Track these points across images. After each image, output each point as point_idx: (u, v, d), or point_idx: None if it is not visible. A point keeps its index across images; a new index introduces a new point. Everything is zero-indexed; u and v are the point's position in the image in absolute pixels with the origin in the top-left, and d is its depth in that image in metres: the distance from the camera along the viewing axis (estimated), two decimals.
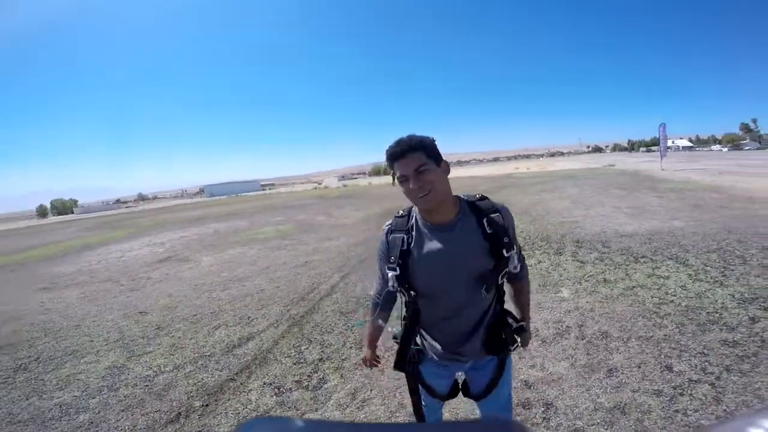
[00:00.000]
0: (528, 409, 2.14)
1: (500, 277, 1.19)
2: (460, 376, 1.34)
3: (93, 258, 9.48)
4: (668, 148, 22.99)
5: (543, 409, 2.12)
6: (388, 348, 2.63)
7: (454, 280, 1.16)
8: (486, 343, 1.21)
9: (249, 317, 4.06)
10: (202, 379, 2.86)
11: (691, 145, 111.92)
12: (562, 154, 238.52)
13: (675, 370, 2.37)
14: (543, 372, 2.51)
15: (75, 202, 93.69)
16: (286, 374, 2.81)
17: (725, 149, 76.88)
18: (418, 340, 1.32)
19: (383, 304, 1.39)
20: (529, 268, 1.39)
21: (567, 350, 2.76)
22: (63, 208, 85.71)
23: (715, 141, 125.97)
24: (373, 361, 1.48)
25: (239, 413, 2.37)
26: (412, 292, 1.20)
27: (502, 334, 1.21)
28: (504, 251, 1.14)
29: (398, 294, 1.28)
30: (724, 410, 1.96)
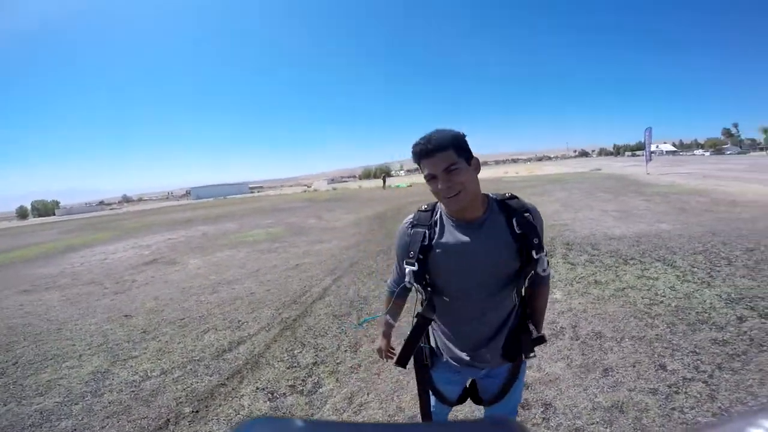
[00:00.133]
0: (527, 409, 2.13)
1: (526, 280, 1.14)
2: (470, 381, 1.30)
3: (75, 260, 9.21)
4: (653, 152, 23.52)
5: (542, 409, 2.11)
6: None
7: (477, 280, 1.11)
8: (505, 350, 1.17)
9: (239, 321, 3.97)
10: (192, 384, 2.77)
11: (675, 149, 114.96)
12: (550, 158, 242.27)
13: (669, 368, 2.39)
14: (540, 372, 2.50)
15: (57, 203, 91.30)
16: (279, 379, 2.74)
17: (707, 153, 78.99)
18: (432, 341, 1.27)
19: (400, 292, 1.31)
20: None
21: (562, 351, 2.76)
22: (44, 209, 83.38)
23: (698, 145, 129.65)
24: (387, 352, 1.42)
25: (231, 419, 2.30)
26: (429, 290, 1.15)
27: (521, 341, 1.16)
28: (534, 253, 1.09)
29: (415, 291, 1.22)
30: (719, 407, 1.98)
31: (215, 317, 4.15)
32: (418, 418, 2.10)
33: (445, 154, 1.01)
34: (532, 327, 1.19)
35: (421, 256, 1.12)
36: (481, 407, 1.37)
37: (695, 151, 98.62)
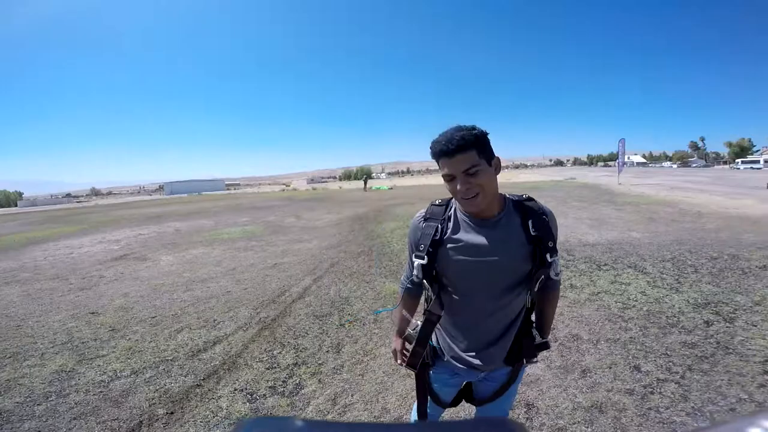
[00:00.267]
0: (511, 409, 2.15)
1: (537, 283, 1.11)
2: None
3: (38, 254, 8.69)
4: (624, 163, 24.54)
5: (525, 409, 2.14)
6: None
7: (487, 280, 1.08)
8: (508, 353, 1.15)
9: (215, 320, 3.84)
10: (165, 385, 2.65)
11: (645, 161, 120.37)
12: (527, 166, 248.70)
13: (643, 370, 2.48)
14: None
15: (20, 194, 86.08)
16: (258, 380, 2.66)
17: (675, 166, 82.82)
18: (434, 339, 1.24)
19: (412, 288, 1.28)
20: None
21: (542, 352, 2.81)
22: (5, 200, 78.35)
23: (666, 158, 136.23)
24: (403, 353, 1.30)
25: (209, 421, 2.20)
26: (436, 285, 1.13)
27: (524, 346, 1.15)
28: (548, 256, 1.08)
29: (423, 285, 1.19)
30: (693, 407, 2.07)
31: (189, 316, 4.00)
32: (406, 419, 2.08)
33: (466, 156, 0.98)
34: (535, 332, 1.18)
35: (431, 250, 1.09)
36: (473, 406, 1.37)
37: (663, 164, 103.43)
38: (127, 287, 5.28)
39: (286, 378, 2.66)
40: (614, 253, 5.53)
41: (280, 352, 3.07)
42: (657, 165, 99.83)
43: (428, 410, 1.30)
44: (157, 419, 2.25)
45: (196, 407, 2.35)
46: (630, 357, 2.66)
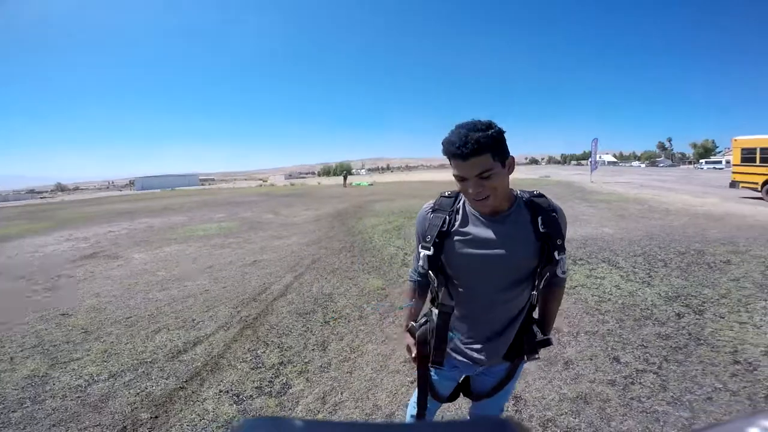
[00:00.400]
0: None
1: (542, 280, 1.11)
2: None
3: (0, 253, 8.20)
4: (596, 162, 25.44)
5: (513, 401, 2.19)
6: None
7: (492, 274, 1.08)
8: (509, 349, 1.16)
9: (194, 320, 3.73)
10: (146, 388, 2.55)
11: (615, 160, 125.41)
12: None
13: (622, 361, 2.59)
14: None
15: None
16: (243, 380, 2.60)
17: (643, 165, 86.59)
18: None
19: (420, 280, 1.27)
20: None
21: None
22: None
23: (636, 157, 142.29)
24: (419, 349, 1.20)
25: (196, 424, 2.14)
26: (441, 276, 1.13)
27: (525, 343, 1.16)
28: (556, 253, 1.07)
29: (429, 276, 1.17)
30: (672, 396, 2.17)
31: (166, 316, 3.86)
32: (398, 417, 2.09)
33: (480, 159, 0.95)
34: (536, 329, 1.18)
35: (437, 240, 1.09)
36: (469, 401, 1.38)
37: (633, 163, 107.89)
38: (98, 287, 5.05)
39: (272, 378, 2.62)
40: (588, 248, 5.72)
41: (264, 352, 3.01)
42: (627, 164, 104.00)
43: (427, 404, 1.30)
44: (142, 424, 2.16)
45: (181, 410, 2.27)
46: (609, 349, 2.77)
